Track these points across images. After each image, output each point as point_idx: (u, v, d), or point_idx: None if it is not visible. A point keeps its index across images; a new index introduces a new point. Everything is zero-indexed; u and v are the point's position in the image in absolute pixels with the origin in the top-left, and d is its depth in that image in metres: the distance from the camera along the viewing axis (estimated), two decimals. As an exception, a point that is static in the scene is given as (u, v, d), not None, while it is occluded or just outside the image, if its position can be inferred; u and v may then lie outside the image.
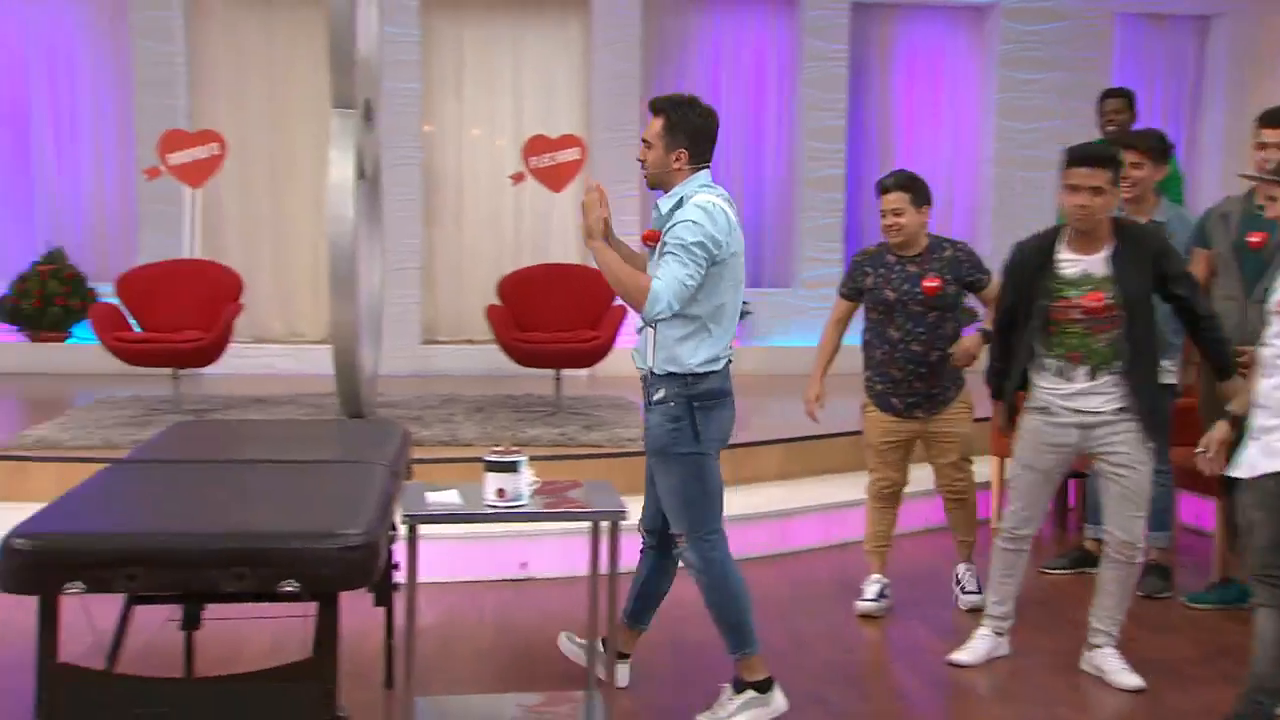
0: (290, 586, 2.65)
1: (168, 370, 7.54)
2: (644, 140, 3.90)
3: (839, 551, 6.12)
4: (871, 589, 5.20)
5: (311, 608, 3.89)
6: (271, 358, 9.86)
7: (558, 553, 5.58)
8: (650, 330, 3.85)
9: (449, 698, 3.92)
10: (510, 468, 3.25)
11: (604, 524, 3.61)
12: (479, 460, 5.90)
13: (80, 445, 6.21)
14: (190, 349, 7.37)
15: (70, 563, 2.57)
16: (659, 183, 3.90)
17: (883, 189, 4.99)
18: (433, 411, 7.42)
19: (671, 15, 10.57)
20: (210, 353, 7.44)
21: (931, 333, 4.99)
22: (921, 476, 5.43)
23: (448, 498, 3.32)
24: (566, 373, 7.96)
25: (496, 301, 8.05)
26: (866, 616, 5.14)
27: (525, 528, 5.43)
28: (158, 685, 2.76)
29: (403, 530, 3.37)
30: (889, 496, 5.24)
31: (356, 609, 3.47)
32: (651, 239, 3.91)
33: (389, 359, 8.44)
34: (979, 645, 4.59)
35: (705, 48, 10.70)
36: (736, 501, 6.13)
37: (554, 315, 7.87)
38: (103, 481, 3.20)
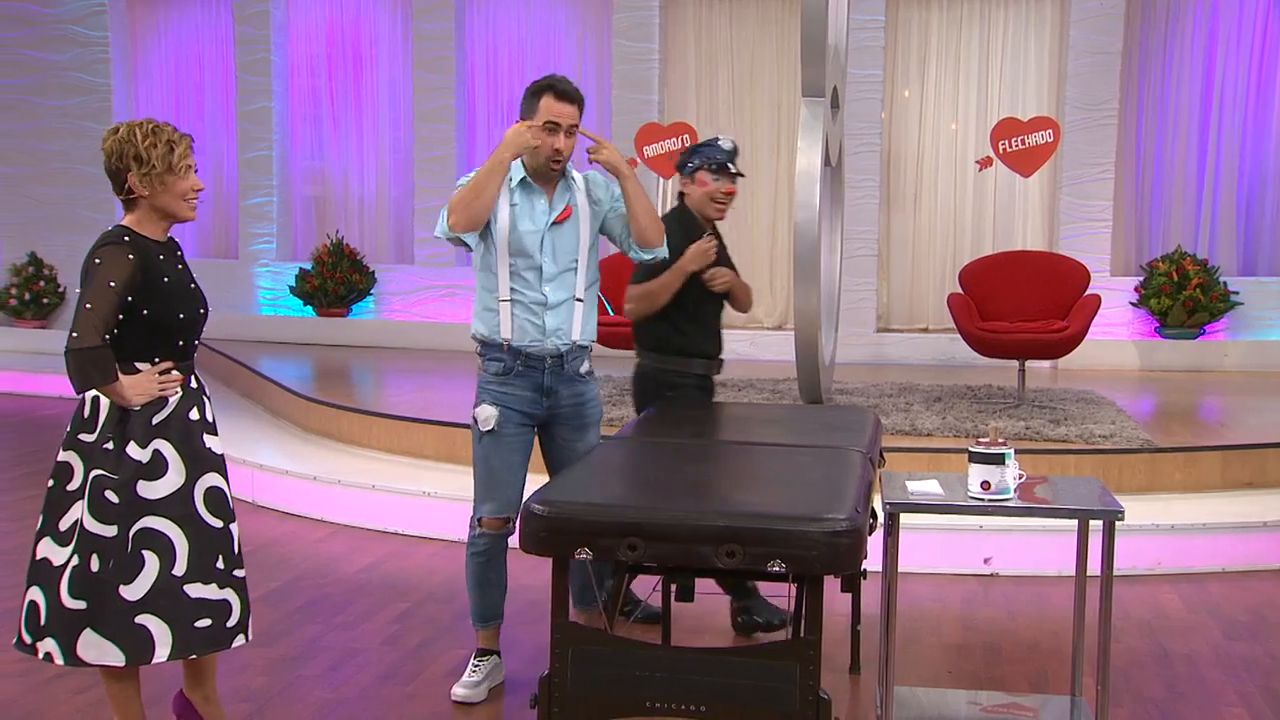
0: (777, 567, 2.69)
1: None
2: (569, 129, 3.85)
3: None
4: None
5: (775, 588, 3.97)
6: (729, 343, 10.12)
7: (1023, 549, 5.38)
8: (579, 303, 3.89)
9: (924, 690, 3.86)
10: (997, 460, 3.13)
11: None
12: (940, 451, 5.82)
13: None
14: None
15: (581, 530, 2.75)
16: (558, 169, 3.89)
17: None
18: (890, 400, 7.36)
19: (1165, -18, 9.89)
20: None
21: None
22: None
23: (929, 487, 3.26)
24: (1030, 364, 7.65)
25: (955, 289, 7.86)
26: None
27: (989, 521, 5.27)
28: (653, 650, 2.90)
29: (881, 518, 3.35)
30: None
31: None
32: (568, 215, 3.91)
33: (844, 347, 8.48)
34: None
35: (1201, 16, 9.88)
36: (1236, 509, 5.66)
37: (1019, 304, 7.57)
38: (603, 456, 3.41)
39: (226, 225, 11.96)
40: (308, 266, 11.21)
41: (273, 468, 6.54)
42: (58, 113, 11.95)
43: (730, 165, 4.46)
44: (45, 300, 12.05)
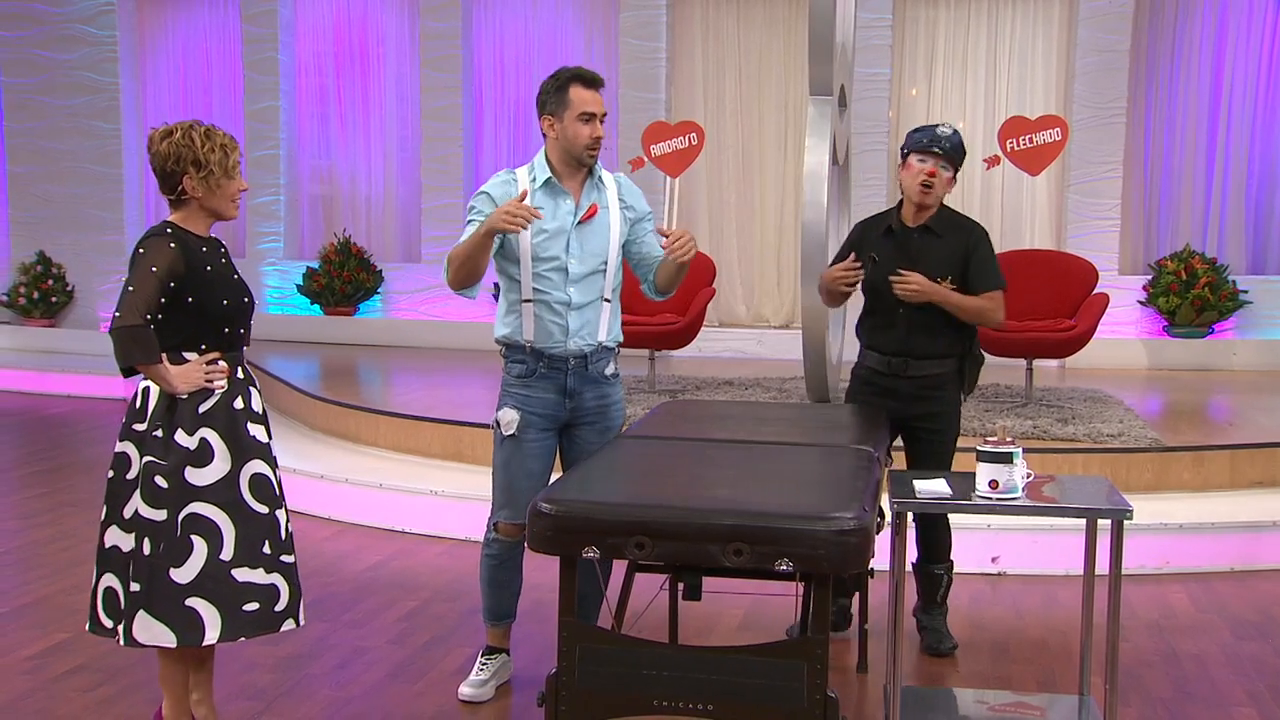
0: (785, 566, 2.69)
1: (644, 351, 7.96)
2: (601, 117, 3.81)
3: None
4: None
5: (781, 587, 3.95)
6: (737, 341, 10.18)
7: (1031, 549, 5.37)
8: (605, 303, 3.82)
9: (931, 689, 3.86)
10: (1005, 458, 3.13)
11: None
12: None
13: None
14: (667, 332, 7.73)
15: (588, 529, 2.75)
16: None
17: None
18: (898, 399, 7.35)
19: (1174, -20, 9.85)
20: (685, 336, 7.78)
21: None
22: None
23: (937, 486, 3.25)
24: (1037, 363, 7.63)
25: (965, 288, 7.85)
26: None
27: (997, 520, 5.25)
28: (660, 649, 2.90)
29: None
30: None
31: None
32: (594, 212, 3.83)
33: (851, 345, 8.46)
34: None
35: (1210, 14, 9.84)
36: (1245, 508, 5.66)
37: (1027, 303, 7.54)
38: (610, 455, 3.40)
39: (233, 224, 11.94)
40: (315, 265, 11.22)
41: (280, 466, 6.53)
42: (66, 112, 11.97)
43: (933, 146, 4.12)
44: (54, 299, 12.07)
